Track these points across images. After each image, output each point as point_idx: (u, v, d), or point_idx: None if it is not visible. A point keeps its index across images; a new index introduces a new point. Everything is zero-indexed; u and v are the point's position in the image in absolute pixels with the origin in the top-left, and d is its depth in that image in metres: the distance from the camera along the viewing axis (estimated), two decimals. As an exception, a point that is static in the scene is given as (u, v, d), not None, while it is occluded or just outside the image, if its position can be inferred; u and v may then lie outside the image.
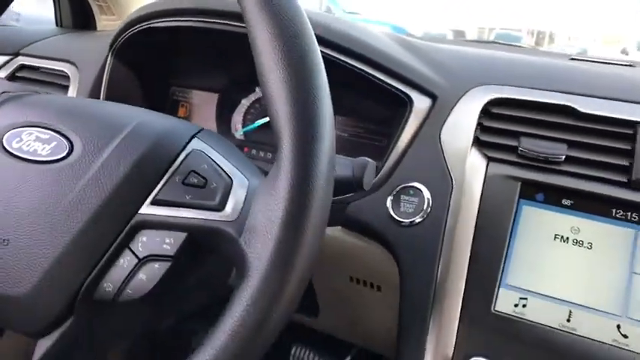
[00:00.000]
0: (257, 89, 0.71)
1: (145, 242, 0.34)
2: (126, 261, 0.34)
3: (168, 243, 0.34)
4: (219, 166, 0.35)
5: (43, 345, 0.34)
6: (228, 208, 0.33)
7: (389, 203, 0.52)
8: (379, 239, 0.52)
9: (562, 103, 0.51)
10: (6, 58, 0.72)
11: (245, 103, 0.71)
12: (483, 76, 0.55)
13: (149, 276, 0.33)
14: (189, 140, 0.37)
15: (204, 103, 0.74)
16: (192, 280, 0.37)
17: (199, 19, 0.60)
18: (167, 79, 0.74)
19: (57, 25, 0.84)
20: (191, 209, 0.34)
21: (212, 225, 0.33)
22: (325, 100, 0.33)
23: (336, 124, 0.69)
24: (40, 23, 0.86)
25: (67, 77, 0.69)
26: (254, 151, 0.70)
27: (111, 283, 0.34)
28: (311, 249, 0.31)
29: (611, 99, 0.50)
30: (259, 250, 0.30)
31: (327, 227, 0.49)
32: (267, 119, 0.70)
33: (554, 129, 0.50)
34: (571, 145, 0.49)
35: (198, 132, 0.39)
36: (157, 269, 0.33)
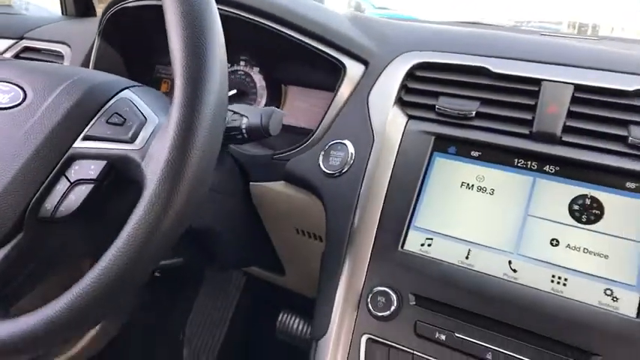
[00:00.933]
0: (229, 64, 0.78)
1: (76, 170, 0.41)
2: (61, 185, 0.41)
3: (93, 169, 0.41)
4: (139, 109, 0.43)
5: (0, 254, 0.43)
6: (138, 140, 0.40)
7: (320, 158, 0.58)
8: (312, 190, 0.58)
9: (477, 64, 0.55)
10: (12, 41, 0.83)
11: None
12: (411, 43, 0.60)
13: (77, 196, 0.41)
14: (121, 90, 0.45)
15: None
16: (117, 206, 0.44)
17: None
18: (150, 57, 0.82)
19: (62, 13, 0.95)
20: (110, 142, 0.41)
21: (123, 153, 0.40)
22: (215, 51, 0.39)
23: (294, 94, 0.75)
24: (48, 13, 0.97)
25: (62, 57, 0.79)
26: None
27: (50, 203, 0.41)
28: (196, 168, 0.37)
29: (521, 60, 0.54)
30: (153, 170, 0.37)
31: (272, 182, 0.56)
32: (235, 91, 0.77)
33: (469, 88, 0.55)
34: (483, 102, 0.54)
35: (132, 86, 0.46)
36: (84, 190, 0.41)
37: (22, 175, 0.42)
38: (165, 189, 0.36)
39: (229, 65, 0.78)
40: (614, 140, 0.48)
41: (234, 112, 0.49)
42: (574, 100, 0.50)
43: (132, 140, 0.40)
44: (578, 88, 0.50)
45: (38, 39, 0.82)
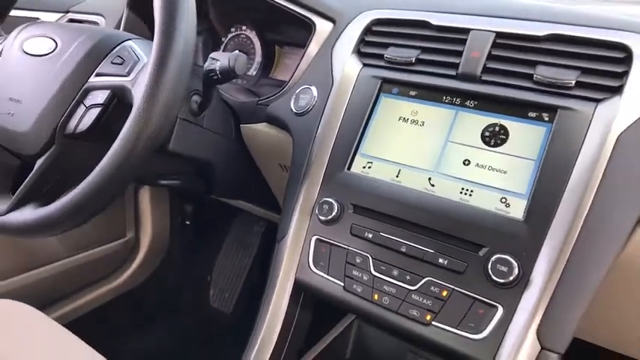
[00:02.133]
0: (232, 29, 0.91)
1: (90, 98, 0.56)
2: (80, 109, 0.56)
3: (101, 97, 0.56)
4: (135, 53, 0.57)
5: (37, 163, 0.58)
6: (132, 75, 0.54)
7: (292, 101, 0.70)
8: (285, 127, 0.71)
9: (421, 18, 0.65)
10: (60, 14, 1.00)
11: (224, 40, 0.92)
12: (371, 3, 0.70)
13: (90, 117, 0.56)
14: (125, 41, 0.59)
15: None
16: (119, 125, 0.58)
17: None
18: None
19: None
20: (113, 77, 0.55)
21: (120, 84, 0.54)
22: (184, 13, 0.51)
23: (284, 53, 0.87)
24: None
25: (98, 25, 0.95)
26: (238, 81, 0.91)
27: (72, 123, 0.57)
28: (168, 92, 0.50)
29: (456, 13, 0.64)
30: (138, 94, 0.51)
31: (257, 123, 0.70)
32: (237, 51, 0.90)
33: (413, 39, 0.65)
34: (423, 50, 0.64)
35: (134, 38, 0.60)
36: (95, 112, 0.56)
37: (53, 103, 0.57)
38: (145, 107, 0.50)
39: (234, 30, 0.91)
40: (523, 78, 0.57)
41: (212, 58, 0.62)
42: (495, 45, 0.59)
43: (127, 74, 0.55)
44: (499, 35, 0.59)
45: (79, 12, 0.99)
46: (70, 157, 0.59)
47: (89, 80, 0.56)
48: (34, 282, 1.05)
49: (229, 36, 0.91)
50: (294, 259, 0.62)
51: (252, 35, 0.88)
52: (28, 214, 0.56)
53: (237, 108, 0.77)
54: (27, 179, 0.58)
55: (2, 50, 0.62)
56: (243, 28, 0.90)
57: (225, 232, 1.42)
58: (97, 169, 0.51)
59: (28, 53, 0.60)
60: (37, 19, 0.98)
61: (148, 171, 0.69)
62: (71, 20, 0.99)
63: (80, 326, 0.70)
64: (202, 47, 0.94)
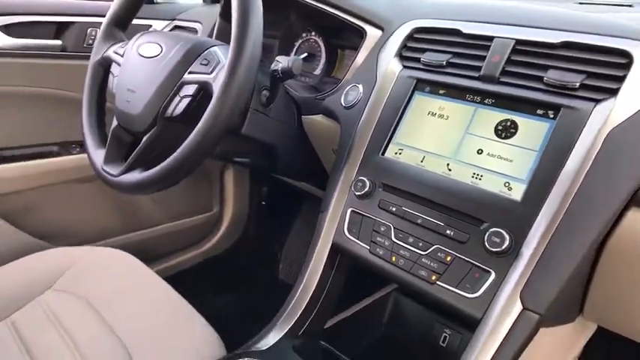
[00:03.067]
0: (304, 35, 1.06)
1: (183, 90, 0.74)
2: (176, 99, 0.74)
3: (191, 90, 0.73)
4: (217, 57, 0.73)
5: (144, 138, 0.77)
6: (214, 73, 0.71)
7: (342, 97, 0.84)
8: (336, 119, 0.84)
9: (453, 27, 0.75)
10: (168, 22, 1.22)
11: (296, 44, 1.07)
12: (416, 13, 0.81)
13: (183, 104, 0.73)
14: (211, 47, 0.76)
15: (274, 46, 1.12)
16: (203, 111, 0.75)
17: None
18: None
19: (203, 2, 1.32)
20: (201, 74, 0.72)
21: (204, 80, 0.71)
22: (254, 26, 0.66)
23: (345, 56, 1.01)
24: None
25: (197, 32, 1.15)
26: (303, 78, 1.06)
27: (170, 109, 0.74)
28: (237, 88, 0.66)
29: (485, 22, 0.73)
30: (217, 88, 0.67)
31: (315, 115, 0.84)
32: (306, 54, 1.05)
33: (445, 45, 0.75)
34: (454, 55, 0.74)
35: (218, 45, 0.77)
36: (186, 101, 0.73)
37: (157, 93, 0.75)
38: (221, 98, 0.66)
39: (305, 35, 1.06)
40: (535, 80, 0.65)
41: (277, 61, 0.78)
42: (513, 51, 0.68)
43: (210, 73, 0.71)
44: (518, 42, 0.68)
45: (183, 19, 1.20)
46: (167, 135, 0.77)
47: (183, 77, 0.74)
48: (138, 241, 1.29)
49: (300, 41, 1.06)
50: (332, 227, 0.76)
51: (319, 40, 1.03)
52: (135, 176, 0.75)
53: (300, 102, 0.92)
54: (135, 151, 0.77)
55: (124, 53, 0.82)
56: (313, 34, 1.04)
57: (296, 213, 1.59)
58: (184, 144, 0.68)
59: (142, 55, 0.80)
60: (150, 26, 1.20)
61: (226, 150, 0.86)
62: (176, 27, 1.21)
63: (170, 282, 0.89)
64: (279, 49, 1.10)
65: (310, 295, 0.75)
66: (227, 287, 1.51)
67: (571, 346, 0.82)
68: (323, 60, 1.02)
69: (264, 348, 0.70)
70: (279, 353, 0.69)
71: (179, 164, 0.69)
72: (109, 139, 0.82)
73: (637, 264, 0.61)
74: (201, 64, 0.74)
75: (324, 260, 0.76)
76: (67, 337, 0.77)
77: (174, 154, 0.69)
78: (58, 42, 1.06)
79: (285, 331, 0.73)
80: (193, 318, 0.81)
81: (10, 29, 1.01)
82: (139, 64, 0.79)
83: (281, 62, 0.76)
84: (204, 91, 0.73)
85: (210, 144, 0.68)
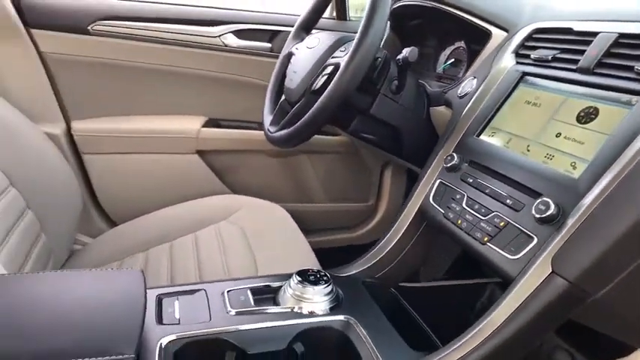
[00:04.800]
0: (456, 43, 1.18)
1: (325, 70, 0.95)
2: (320, 77, 0.96)
3: (329, 69, 0.94)
4: (346, 46, 0.93)
5: (295, 107, 1.01)
6: (345, 57, 0.91)
7: (460, 88, 0.94)
8: (452, 107, 0.95)
9: (566, 26, 0.79)
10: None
11: (446, 52, 1.20)
12: (537, 16, 0.87)
13: (322, 80, 0.95)
14: (348, 41, 0.96)
15: (424, 55, 1.27)
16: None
17: (428, 3, 1.13)
18: (419, 40, 1.31)
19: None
20: (337, 58, 0.93)
21: (338, 61, 0.91)
22: (377, 23, 0.84)
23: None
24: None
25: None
26: (446, 80, 1.18)
27: (315, 84, 0.97)
28: (355, 66, 0.84)
29: (593, 20, 0.75)
30: (341, 66, 0.86)
31: (440, 106, 0.98)
32: (452, 60, 1.17)
33: (556, 42, 0.79)
34: (560, 50, 0.78)
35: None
36: (324, 77, 0.94)
37: (309, 73, 0.99)
38: (341, 73, 0.85)
39: (452, 44, 1.18)
40: (626, 70, 0.66)
41: (401, 53, 0.93)
42: (613, 44, 0.69)
43: (343, 57, 0.91)
44: (621, 35, 0.69)
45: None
46: (312, 104, 1.00)
47: (327, 60, 0.96)
48: (300, 211, 1.56)
49: (447, 52, 1.19)
50: (421, 195, 0.87)
51: (464, 47, 1.14)
52: (282, 133, 0.99)
53: (431, 94, 1.04)
54: (287, 115, 1.02)
55: (299, 46, 1.09)
56: (462, 42, 1.16)
57: None
58: (311, 109, 0.90)
59: (307, 47, 1.05)
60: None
61: (356, 125, 1.04)
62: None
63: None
64: (434, 56, 1.24)
65: (391, 247, 0.87)
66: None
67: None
68: (465, 63, 1.12)
69: (341, 275, 0.85)
70: (348, 282, 0.83)
71: (305, 125, 0.91)
72: (276, 108, 1.10)
73: None
74: (340, 50, 0.95)
75: (409, 222, 0.87)
76: (222, 250, 1.04)
77: (304, 116, 0.91)
78: (269, 44, 1.42)
79: (362, 269, 0.86)
80: (309, 257, 1.00)
81: (239, 34, 1.39)
82: (303, 53, 1.05)
83: (402, 53, 0.91)
84: (336, 69, 0.93)
85: (329, 109, 0.88)
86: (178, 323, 0.66)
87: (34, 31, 1.26)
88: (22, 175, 0.98)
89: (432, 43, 1.25)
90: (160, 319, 0.67)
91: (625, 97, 0.65)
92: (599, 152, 0.63)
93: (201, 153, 1.42)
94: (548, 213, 0.62)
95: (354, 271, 0.86)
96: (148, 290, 0.57)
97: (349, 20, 1.53)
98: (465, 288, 0.94)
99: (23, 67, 1.26)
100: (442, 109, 1.01)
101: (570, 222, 0.60)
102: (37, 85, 1.29)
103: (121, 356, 0.49)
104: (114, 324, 0.53)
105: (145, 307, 0.55)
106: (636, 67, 0.64)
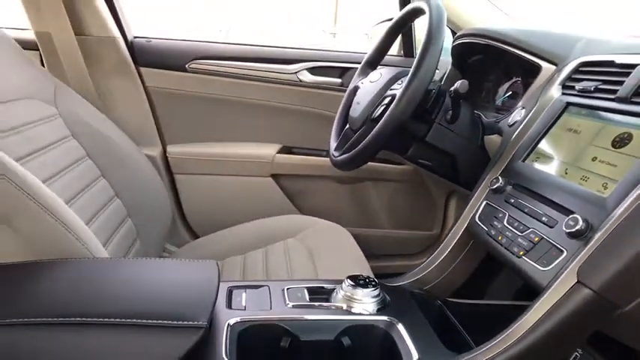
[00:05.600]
0: (513, 77, 1.25)
1: (384, 100, 1.07)
2: (379, 107, 1.07)
3: (387, 100, 1.05)
4: (403, 80, 1.04)
5: (356, 134, 1.13)
6: (401, 89, 1.01)
7: (510, 118, 1.00)
8: (501, 135, 1.01)
9: (609, 59, 0.84)
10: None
11: (504, 86, 1.27)
12: (584, 51, 0.92)
13: (380, 109, 1.06)
14: (405, 75, 1.07)
15: (484, 88, 1.34)
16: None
17: (484, 41, 1.22)
18: (480, 75, 1.38)
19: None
20: (395, 90, 1.04)
21: (395, 92, 1.02)
22: (428, 60, 0.94)
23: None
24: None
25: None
26: (504, 112, 1.24)
27: (374, 113, 1.08)
28: (408, 98, 0.94)
29: (633, 54, 0.80)
30: (396, 98, 0.97)
31: (493, 134, 1.07)
32: (510, 93, 1.23)
33: (599, 74, 0.85)
34: (602, 82, 0.83)
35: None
36: (382, 107, 1.05)
37: (370, 103, 1.11)
38: (396, 104, 0.96)
39: (510, 78, 1.24)
40: (659, 98, 0.71)
41: (453, 85, 1.02)
42: (650, 75, 0.74)
43: (400, 89, 1.02)
44: (657, 67, 0.74)
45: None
46: (369, 131, 1.11)
47: (386, 92, 1.07)
48: (363, 235, 1.65)
49: (504, 86, 1.25)
50: (469, 215, 0.94)
51: (520, 79, 1.20)
52: (343, 157, 1.11)
53: (486, 124, 1.12)
54: (349, 141, 1.14)
55: (364, 80, 1.22)
56: (519, 78, 1.22)
57: None
58: (369, 135, 1.01)
59: (370, 81, 1.17)
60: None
61: (414, 152, 1.13)
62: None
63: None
64: (493, 88, 1.31)
65: (439, 261, 0.94)
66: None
67: None
68: (522, 96, 1.18)
69: (390, 284, 0.94)
70: (396, 290, 0.90)
71: (363, 149, 1.02)
72: (340, 135, 1.22)
73: None
74: (397, 83, 1.06)
75: (456, 239, 0.94)
76: (288, 263, 1.16)
77: (362, 142, 1.02)
78: (339, 80, 1.56)
79: (410, 280, 0.94)
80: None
81: (313, 70, 1.55)
82: (367, 86, 1.17)
83: (454, 85, 1.00)
84: (392, 100, 1.04)
85: (384, 135, 0.98)
86: (244, 309, 0.78)
87: (141, 68, 1.50)
88: (126, 189, 1.18)
89: (491, 78, 1.32)
90: (229, 305, 0.79)
91: (657, 123, 0.69)
92: (628, 173, 0.67)
93: (275, 176, 1.58)
94: (576, 228, 0.67)
95: (402, 282, 0.94)
96: (220, 283, 0.70)
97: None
98: (511, 307, 0.97)
99: (131, 99, 1.50)
100: (494, 137, 1.07)
101: (597, 236, 0.65)
102: (141, 114, 1.52)
103: (196, 322, 0.61)
104: (193, 298, 0.66)
105: (218, 290, 0.68)
106: (668, 96, 0.69)
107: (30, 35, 1.40)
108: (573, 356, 0.86)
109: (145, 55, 1.51)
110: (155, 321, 0.61)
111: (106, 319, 0.61)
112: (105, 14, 1.43)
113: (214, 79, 1.52)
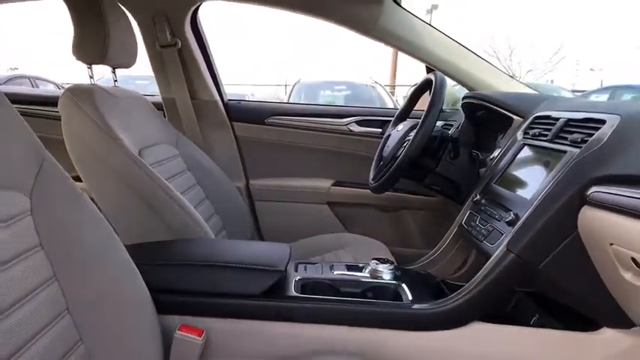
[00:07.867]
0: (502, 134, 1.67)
1: (405, 143, 1.52)
2: (401, 147, 1.53)
3: (406, 143, 1.51)
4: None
5: (387, 166, 1.58)
6: (410, 134, 1.47)
7: (492, 154, 1.43)
8: (486, 166, 1.44)
9: (548, 114, 1.26)
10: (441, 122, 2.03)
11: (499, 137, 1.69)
12: (542, 108, 1.34)
13: (402, 149, 1.51)
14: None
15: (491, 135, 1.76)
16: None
17: (478, 101, 1.66)
18: (485, 125, 1.80)
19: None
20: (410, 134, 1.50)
21: (410, 137, 1.48)
22: (431, 117, 1.40)
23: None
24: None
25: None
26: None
27: (398, 151, 1.54)
28: (417, 141, 1.39)
29: (567, 111, 1.22)
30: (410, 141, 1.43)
31: (482, 168, 1.53)
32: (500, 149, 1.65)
33: (541, 124, 1.27)
34: (543, 129, 1.25)
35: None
36: (402, 148, 1.51)
37: (396, 144, 1.57)
38: (410, 143, 1.42)
39: (502, 135, 1.66)
40: (562, 138, 1.12)
41: (451, 135, 1.46)
42: (565, 124, 1.16)
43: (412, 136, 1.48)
44: (569, 120, 1.15)
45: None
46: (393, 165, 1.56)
47: (405, 138, 1.53)
48: (400, 252, 2.07)
49: (500, 136, 1.67)
50: (460, 220, 1.35)
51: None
52: (377, 184, 1.57)
53: (481, 160, 1.54)
54: (381, 173, 1.59)
55: (393, 130, 1.68)
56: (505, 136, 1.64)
57: None
58: (392, 167, 1.46)
59: (397, 130, 1.64)
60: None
61: (428, 180, 1.56)
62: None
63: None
64: (494, 135, 1.73)
65: (438, 253, 1.36)
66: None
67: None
68: (510, 140, 1.59)
69: (403, 267, 1.36)
70: (407, 270, 1.33)
71: (389, 177, 1.48)
72: (376, 170, 1.69)
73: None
74: (414, 132, 1.52)
75: (451, 237, 1.36)
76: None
77: (388, 172, 1.48)
78: (380, 129, 2.04)
79: (418, 265, 1.36)
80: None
81: (360, 122, 2.06)
82: (395, 134, 1.64)
83: (450, 133, 1.44)
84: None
85: (401, 168, 1.43)
86: (305, 272, 1.24)
87: (234, 122, 2.07)
88: (222, 210, 1.70)
89: (493, 126, 1.74)
90: (296, 270, 1.25)
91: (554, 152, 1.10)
92: (540, 184, 1.08)
93: (329, 204, 2.06)
94: (509, 219, 1.09)
95: (413, 266, 1.37)
96: (290, 261, 1.17)
97: (441, 112, 2.10)
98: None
99: (226, 145, 2.07)
100: (484, 169, 1.49)
101: (520, 222, 1.06)
102: (232, 156, 2.08)
103: (277, 267, 1.08)
104: (275, 256, 1.13)
105: (290, 254, 1.15)
106: (569, 137, 1.10)
107: (157, 99, 2.01)
108: (534, 318, 1.23)
109: (236, 113, 2.08)
110: (254, 265, 1.09)
111: (226, 262, 1.09)
112: (210, 84, 2.02)
113: (286, 130, 2.06)
